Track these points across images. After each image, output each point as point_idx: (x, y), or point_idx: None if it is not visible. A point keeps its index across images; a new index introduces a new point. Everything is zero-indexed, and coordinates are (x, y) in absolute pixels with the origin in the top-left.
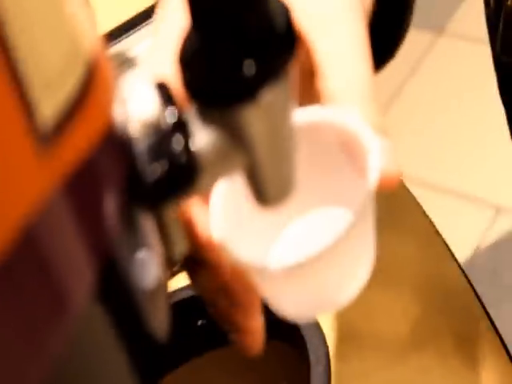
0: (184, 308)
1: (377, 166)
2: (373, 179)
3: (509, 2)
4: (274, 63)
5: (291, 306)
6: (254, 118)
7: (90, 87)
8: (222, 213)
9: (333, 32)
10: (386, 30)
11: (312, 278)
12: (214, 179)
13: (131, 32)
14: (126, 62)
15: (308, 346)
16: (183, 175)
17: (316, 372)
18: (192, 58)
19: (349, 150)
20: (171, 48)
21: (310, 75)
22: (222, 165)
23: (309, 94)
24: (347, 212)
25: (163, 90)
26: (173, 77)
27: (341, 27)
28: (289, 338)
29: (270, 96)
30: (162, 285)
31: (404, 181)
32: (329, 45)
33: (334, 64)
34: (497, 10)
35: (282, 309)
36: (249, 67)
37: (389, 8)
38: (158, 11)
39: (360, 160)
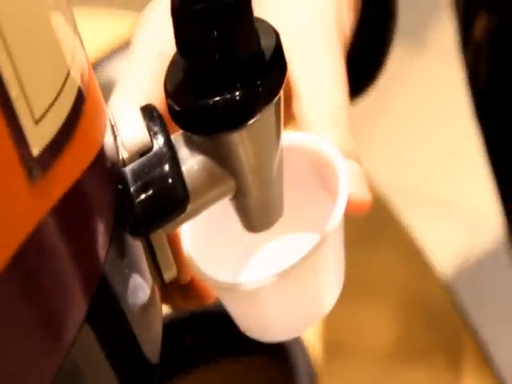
0: (170, 326)
1: (345, 191)
2: (341, 206)
3: (476, 35)
4: (265, 89)
5: (255, 326)
6: (244, 143)
7: (80, 116)
8: (195, 232)
9: (311, 57)
10: (367, 58)
11: (277, 298)
12: (202, 205)
13: (113, 59)
14: (112, 89)
15: (292, 361)
16: (172, 202)
17: None
18: (178, 85)
19: (320, 174)
20: (149, 69)
21: (287, 97)
22: (210, 190)
23: (286, 115)
24: (317, 235)
25: (150, 112)
26: (154, 98)
27: (319, 54)
28: (273, 353)
29: (260, 121)
30: (155, 307)
31: (386, 194)
32: (306, 70)
33: (309, 88)
34: (464, 42)
35: (247, 329)
36: (239, 94)
37: (370, 36)
38: (134, 35)
39: (331, 184)
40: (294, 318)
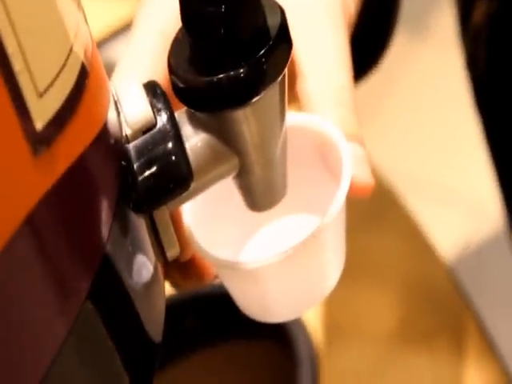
0: (172, 308)
1: (348, 174)
2: (344, 188)
3: (476, 19)
4: (270, 66)
5: (256, 306)
6: (248, 121)
7: (84, 91)
8: (197, 210)
9: (316, 36)
10: (371, 40)
11: (278, 278)
12: (206, 183)
13: (114, 40)
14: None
15: (294, 343)
16: (175, 179)
17: (304, 370)
18: (182, 62)
19: (323, 156)
20: (151, 46)
21: (291, 76)
22: (214, 168)
23: (290, 94)
24: (319, 217)
25: (154, 89)
26: (156, 75)
27: (324, 33)
28: (274, 335)
29: (264, 99)
30: (158, 285)
31: (390, 178)
32: (311, 49)
33: (314, 68)
34: (463, 26)
35: (248, 309)
36: (243, 71)
37: (374, 18)
38: (136, 14)
39: (334, 166)
40: (295, 299)
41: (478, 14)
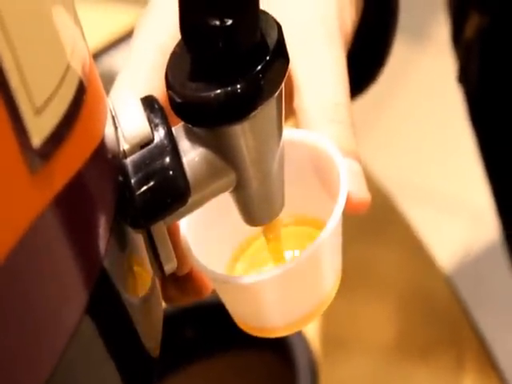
0: (171, 318)
1: (345, 190)
2: (340, 204)
3: (468, 33)
4: (267, 82)
5: (252, 322)
6: (245, 136)
7: (81, 107)
8: (194, 225)
9: (313, 52)
10: (368, 57)
11: (274, 294)
12: (203, 198)
13: (115, 49)
14: (113, 80)
15: (293, 354)
16: (173, 194)
17: (302, 380)
18: (180, 77)
19: (319, 172)
20: (150, 61)
21: (288, 91)
22: (211, 183)
23: (287, 110)
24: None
25: (151, 104)
26: (154, 90)
27: (321, 49)
28: (273, 346)
29: (261, 114)
30: (155, 299)
31: (388, 189)
32: (307, 65)
33: (310, 84)
34: (455, 39)
35: (244, 323)
36: (240, 87)
37: (372, 36)
38: (136, 27)
39: (330, 182)
40: (292, 314)
41: (470, 28)
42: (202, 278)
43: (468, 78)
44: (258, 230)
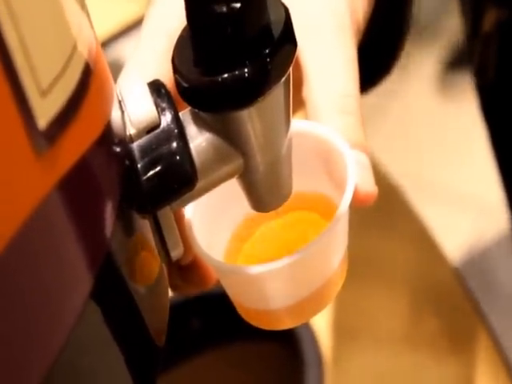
0: (177, 309)
1: (352, 182)
2: (348, 196)
3: (486, 28)
4: (275, 66)
5: (259, 312)
6: (252, 121)
7: (87, 90)
8: (199, 212)
9: (322, 43)
10: (382, 49)
11: (280, 284)
12: (210, 184)
13: (123, 38)
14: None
15: (300, 345)
16: (180, 179)
17: (310, 372)
18: (186, 61)
19: (326, 162)
20: (158, 47)
21: (297, 82)
22: (218, 168)
23: (296, 100)
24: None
25: (158, 88)
26: (162, 76)
27: (331, 40)
28: (280, 338)
29: (269, 99)
30: (162, 286)
31: (397, 182)
32: (317, 55)
33: (319, 75)
34: (473, 34)
35: (249, 315)
36: (247, 71)
37: (385, 26)
38: (146, 14)
39: (337, 174)
40: (298, 305)
41: (488, 22)
42: (206, 268)
43: (485, 72)
44: (259, 215)
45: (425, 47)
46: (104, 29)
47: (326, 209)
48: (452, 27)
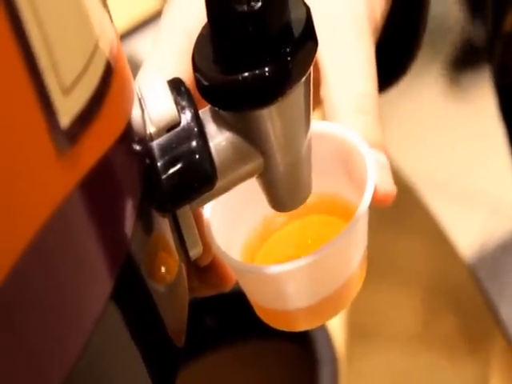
0: (192, 306)
1: (372, 182)
2: (367, 196)
3: (507, 28)
4: (295, 66)
5: (277, 313)
6: (272, 120)
7: (109, 88)
8: (218, 212)
9: (341, 43)
10: (399, 48)
11: (299, 284)
12: (230, 183)
13: (139, 33)
14: (137, 63)
15: (314, 344)
16: (199, 178)
17: (324, 371)
18: (207, 60)
19: (345, 163)
20: (178, 45)
21: (316, 82)
22: (238, 167)
23: (315, 100)
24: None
25: (178, 86)
26: (182, 74)
27: (349, 39)
28: (295, 336)
29: (289, 99)
30: (181, 286)
31: (412, 180)
32: (335, 55)
33: (338, 74)
34: (494, 34)
35: (267, 316)
36: (268, 70)
37: (402, 27)
38: (164, 11)
39: (357, 173)
40: (317, 306)
41: (509, 22)
42: (225, 270)
43: (506, 72)
44: (278, 215)
45: (436, 45)
46: (120, 24)
47: (344, 210)
48: (460, 27)
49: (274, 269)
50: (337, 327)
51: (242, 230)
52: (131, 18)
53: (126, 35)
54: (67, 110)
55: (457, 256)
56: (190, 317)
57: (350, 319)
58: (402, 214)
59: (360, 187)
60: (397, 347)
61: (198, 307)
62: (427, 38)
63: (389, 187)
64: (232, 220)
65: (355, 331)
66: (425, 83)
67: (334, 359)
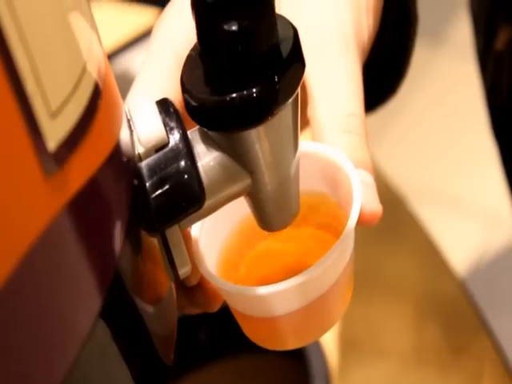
0: (185, 321)
1: (358, 202)
2: (354, 216)
3: (499, 46)
4: (283, 86)
5: (265, 333)
6: (260, 140)
7: (97, 111)
8: (205, 233)
9: (328, 63)
10: (387, 68)
11: (285, 306)
12: (218, 202)
13: (130, 50)
14: (128, 80)
15: (307, 359)
16: (188, 198)
17: None
18: (195, 80)
19: (331, 183)
20: (166, 65)
21: (303, 101)
22: (226, 187)
23: (302, 120)
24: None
25: (167, 107)
26: (170, 94)
27: (336, 59)
28: (288, 351)
29: (277, 119)
30: (170, 304)
31: (403, 192)
32: (322, 75)
33: (324, 94)
34: (485, 53)
35: (256, 335)
36: (256, 91)
37: (391, 47)
38: (153, 30)
39: (342, 193)
40: (305, 326)
41: (501, 41)
42: (213, 291)
43: (498, 91)
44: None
45: (430, 54)
46: (112, 40)
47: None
48: (458, 36)
49: (261, 290)
50: (329, 341)
51: (219, 242)
52: (126, 32)
53: (120, 50)
54: (54, 133)
55: (449, 269)
56: (182, 332)
57: (341, 333)
58: (393, 227)
59: (346, 207)
60: (389, 360)
61: (191, 322)
62: (425, 48)
63: (375, 207)
64: (220, 238)
65: (347, 344)
66: (420, 94)
67: (326, 373)
